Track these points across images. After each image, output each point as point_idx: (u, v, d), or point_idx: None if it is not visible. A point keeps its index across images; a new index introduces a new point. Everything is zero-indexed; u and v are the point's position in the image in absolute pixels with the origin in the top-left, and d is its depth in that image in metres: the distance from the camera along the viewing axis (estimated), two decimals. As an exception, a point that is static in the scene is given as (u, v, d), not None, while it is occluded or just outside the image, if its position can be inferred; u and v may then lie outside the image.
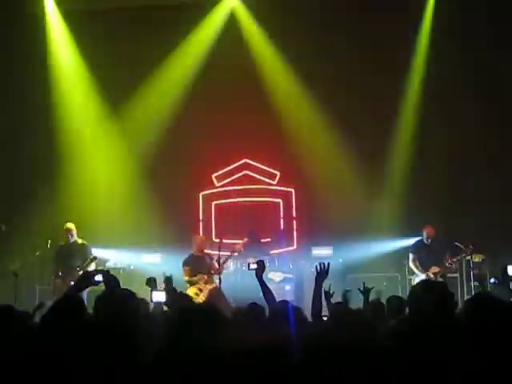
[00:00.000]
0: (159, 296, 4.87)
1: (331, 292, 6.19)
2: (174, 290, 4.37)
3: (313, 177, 11.85)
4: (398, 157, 12.13)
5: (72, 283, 8.58)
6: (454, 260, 10.30)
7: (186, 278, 10.02)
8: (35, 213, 11.56)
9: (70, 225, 10.48)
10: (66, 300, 4.23)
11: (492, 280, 9.94)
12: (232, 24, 12.42)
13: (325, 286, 5.63)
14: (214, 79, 12.05)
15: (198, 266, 10.09)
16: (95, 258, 10.10)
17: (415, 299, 3.75)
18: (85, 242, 10.46)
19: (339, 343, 2.51)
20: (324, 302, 5.72)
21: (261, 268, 6.10)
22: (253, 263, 6.45)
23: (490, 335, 2.99)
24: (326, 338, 2.80)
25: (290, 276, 11.06)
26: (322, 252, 11.54)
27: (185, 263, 10.13)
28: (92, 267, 9.90)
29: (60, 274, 10.18)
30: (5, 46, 12.22)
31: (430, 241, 10.56)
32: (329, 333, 3.48)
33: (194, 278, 10.01)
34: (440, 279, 10.04)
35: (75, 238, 10.45)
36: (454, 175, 11.74)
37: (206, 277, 10.00)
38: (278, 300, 6.70)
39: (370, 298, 6.46)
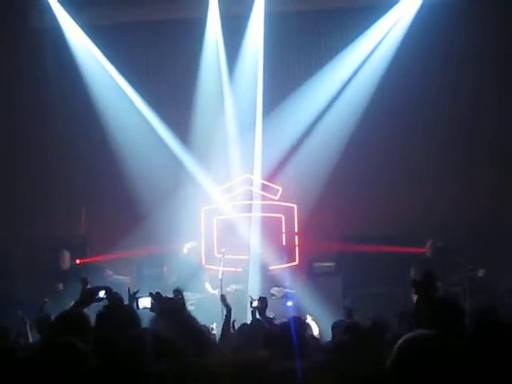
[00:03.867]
0: (145, 302, 4.84)
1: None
2: (159, 294, 4.35)
3: (315, 192, 11.87)
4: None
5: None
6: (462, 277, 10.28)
7: None
8: None
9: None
10: (72, 316, 4.25)
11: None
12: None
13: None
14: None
15: None
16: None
17: (426, 316, 3.70)
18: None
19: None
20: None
21: (263, 305, 6.20)
22: (254, 300, 6.45)
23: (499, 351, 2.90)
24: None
25: (292, 291, 11.04)
26: (323, 267, 11.61)
27: None
28: None
29: None
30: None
31: (429, 254, 10.59)
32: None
33: None
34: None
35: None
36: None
37: None
38: (279, 316, 6.79)
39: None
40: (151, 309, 4.24)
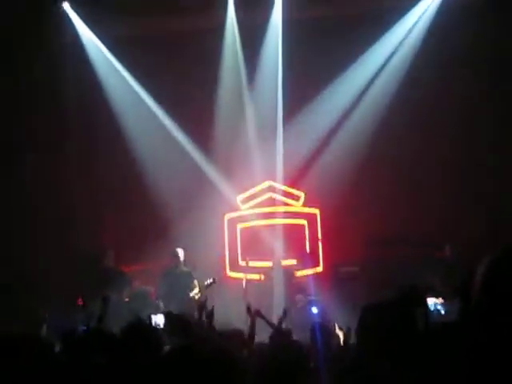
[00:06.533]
0: (158, 319, 4.89)
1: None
2: (170, 313, 4.40)
3: (337, 197, 11.86)
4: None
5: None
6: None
7: None
8: None
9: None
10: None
11: None
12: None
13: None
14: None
15: None
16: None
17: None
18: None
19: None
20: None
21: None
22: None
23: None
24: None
25: (317, 298, 11.03)
26: (348, 272, 11.60)
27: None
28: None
29: None
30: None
31: (450, 259, 10.56)
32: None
33: None
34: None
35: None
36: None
37: None
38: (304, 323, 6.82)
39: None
40: (164, 327, 4.31)
